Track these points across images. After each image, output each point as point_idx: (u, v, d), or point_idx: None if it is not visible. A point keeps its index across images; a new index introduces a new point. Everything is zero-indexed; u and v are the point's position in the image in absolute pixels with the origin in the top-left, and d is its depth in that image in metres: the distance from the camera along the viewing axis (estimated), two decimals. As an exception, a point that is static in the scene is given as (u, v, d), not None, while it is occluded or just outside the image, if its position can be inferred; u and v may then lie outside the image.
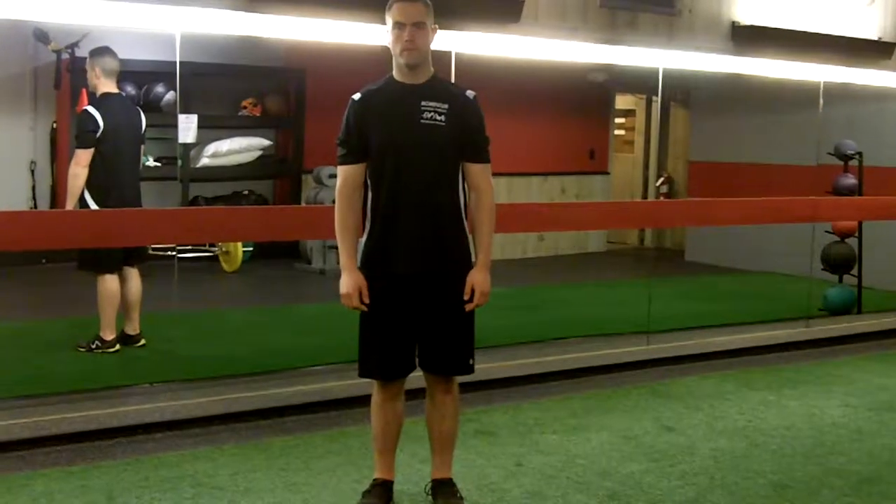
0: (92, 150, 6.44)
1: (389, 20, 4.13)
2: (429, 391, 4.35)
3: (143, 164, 10.17)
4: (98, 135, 6.44)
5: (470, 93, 4.23)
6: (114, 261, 6.60)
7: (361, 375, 4.33)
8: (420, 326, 4.21)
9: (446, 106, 4.13)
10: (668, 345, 7.37)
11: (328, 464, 4.90)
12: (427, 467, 4.51)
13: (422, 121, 4.10)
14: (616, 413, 5.86)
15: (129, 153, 6.64)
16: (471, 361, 4.28)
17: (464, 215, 4.21)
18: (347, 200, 4.16)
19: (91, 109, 6.46)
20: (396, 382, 4.31)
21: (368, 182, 4.17)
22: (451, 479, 4.37)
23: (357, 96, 4.23)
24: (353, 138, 4.17)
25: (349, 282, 4.16)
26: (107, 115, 6.45)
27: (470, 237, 4.23)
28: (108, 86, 6.56)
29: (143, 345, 6.80)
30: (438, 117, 4.12)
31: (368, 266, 4.20)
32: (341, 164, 4.19)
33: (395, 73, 4.21)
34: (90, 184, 6.42)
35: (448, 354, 4.25)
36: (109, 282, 6.59)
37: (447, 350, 4.24)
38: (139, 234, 5.80)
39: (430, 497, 4.36)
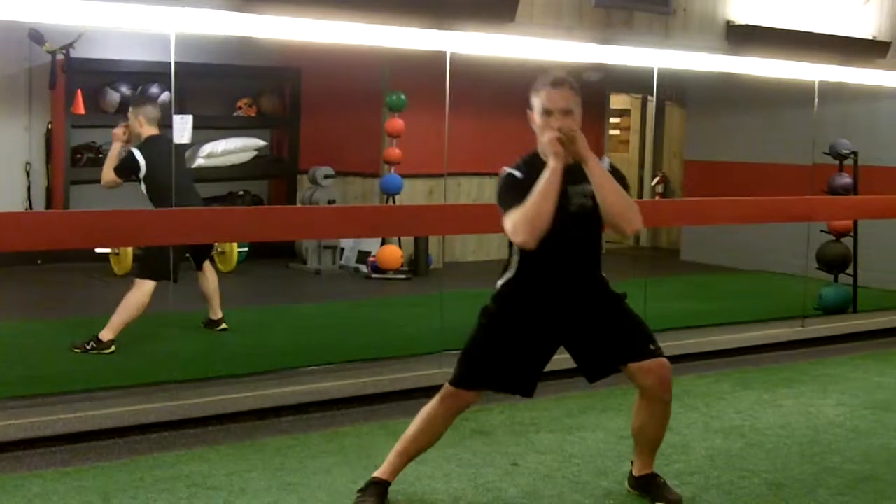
0: (121, 180, 6.95)
1: (537, 103, 4.15)
2: (644, 400, 4.34)
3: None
4: (142, 174, 6.85)
5: (605, 160, 4.25)
6: (168, 270, 6.78)
7: (461, 385, 4.29)
8: (572, 340, 4.29)
9: (591, 187, 4.13)
10: (663, 344, 7.29)
11: (324, 464, 4.90)
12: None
13: (571, 209, 4.12)
14: (612, 412, 5.86)
15: (180, 183, 6.78)
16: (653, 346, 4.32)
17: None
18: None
19: (136, 152, 6.85)
20: (474, 401, 4.34)
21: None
22: (656, 473, 4.51)
23: (512, 171, 4.22)
24: (520, 194, 4.10)
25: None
26: (150, 156, 6.83)
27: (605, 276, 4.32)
28: (150, 130, 6.94)
29: (225, 328, 7.39)
30: (585, 200, 4.16)
31: (506, 305, 4.26)
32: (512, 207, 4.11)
33: (541, 152, 4.20)
34: None
35: (630, 338, 4.28)
36: (147, 291, 6.68)
37: (627, 335, 4.27)
38: (135, 234, 5.79)
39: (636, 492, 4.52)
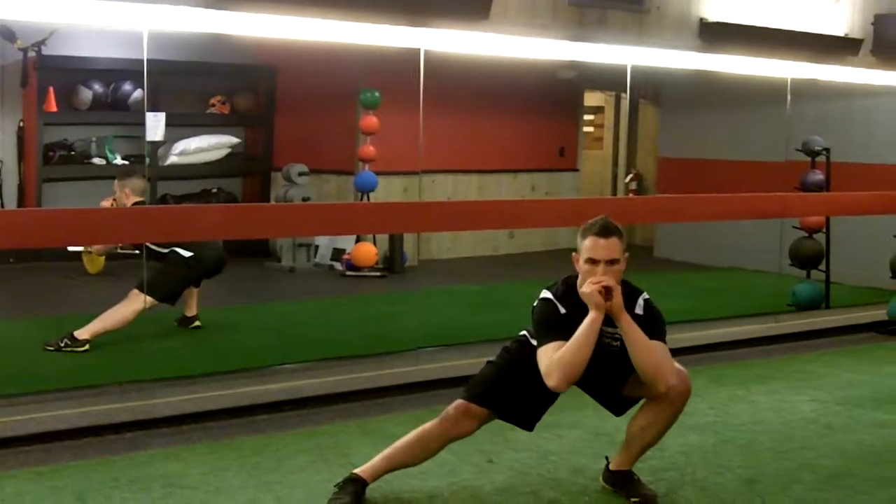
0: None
1: (583, 250, 4.20)
2: (657, 403, 4.36)
3: (111, 162, 10.20)
4: None
5: (641, 301, 4.28)
6: (177, 295, 7.07)
7: (474, 402, 4.33)
8: (585, 382, 4.32)
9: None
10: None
11: (300, 462, 4.89)
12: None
13: (599, 346, 4.14)
14: (587, 410, 5.83)
15: None
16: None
17: None
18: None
19: None
20: (471, 430, 4.36)
21: None
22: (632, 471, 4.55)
23: (554, 301, 4.26)
24: (564, 330, 4.16)
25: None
26: None
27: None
28: (136, 199, 7.06)
29: (199, 326, 7.42)
30: (614, 343, 4.21)
31: (525, 351, 4.34)
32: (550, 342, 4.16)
33: (579, 292, 4.21)
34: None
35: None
36: (137, 309, 6.68)
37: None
38: (109, 232, 5.77)
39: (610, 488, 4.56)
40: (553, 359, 4.09)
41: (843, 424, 5.81)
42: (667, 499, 4.53)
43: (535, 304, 4.33)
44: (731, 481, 4.79)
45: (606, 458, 4.66)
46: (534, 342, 4.27)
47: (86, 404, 5.37)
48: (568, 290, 4.27)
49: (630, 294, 4.25)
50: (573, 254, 4.29)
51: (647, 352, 4.14)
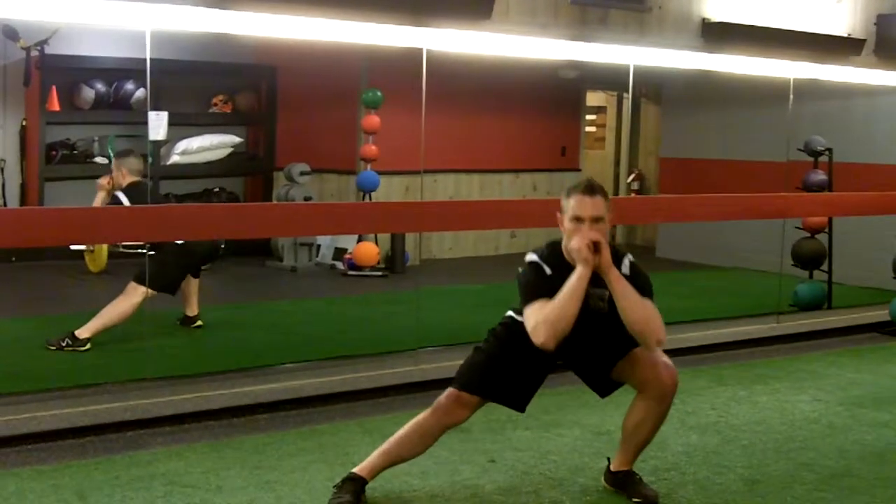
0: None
1: (567, 208, 4.20)
2: (646, 400, 4.39)
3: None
4: None
5: (626, 260, 4.28)
6: (176, 284, 7.08)
7: (465, 390, 4.33)
8: (572, 358, 4.35)
9: (608, 292, 4.17)
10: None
11: (301, 461, 4.89)
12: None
13: (588, 309, 4.14)
14: (588, 409, 5.87)
15: None
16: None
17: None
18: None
19: (120, 194, 6.97)
20: (464, 418, 4.36)
21: None
22: (633, 470, 4.55)
23: (539, 262, 4.25)
24: (550, 289, 4.14)
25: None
26: (133, 198, 6.90)
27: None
28: (132, 179, 7.09)
29: (200, 325, 7.44)
30: (602, 304, 4.19)
31: (512, 331, 4.34)
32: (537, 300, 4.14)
33: (564, 251, 4.23)
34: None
35: (624, 335, 4.23)
36: (136, 303, 6.69)
37: (622, 334, 4.22)
38: (111, 231, 5.77)
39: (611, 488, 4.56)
40: (540, 315, 4.07)
41: (844, 425, 5.81)
42: (668, 499, 4.54)
43: (519, 269, 4.31)
44: (732, 481, 4.79)
45: (608, 459, 4.66)
46: (519, 319, 4.26)
47: (87, 403, 5.37)
48: (553, 252, 4.28)
49: (616, 255, 4.25)
50: (557, 214, 4.28)
51: (636, 306, 4.13)
